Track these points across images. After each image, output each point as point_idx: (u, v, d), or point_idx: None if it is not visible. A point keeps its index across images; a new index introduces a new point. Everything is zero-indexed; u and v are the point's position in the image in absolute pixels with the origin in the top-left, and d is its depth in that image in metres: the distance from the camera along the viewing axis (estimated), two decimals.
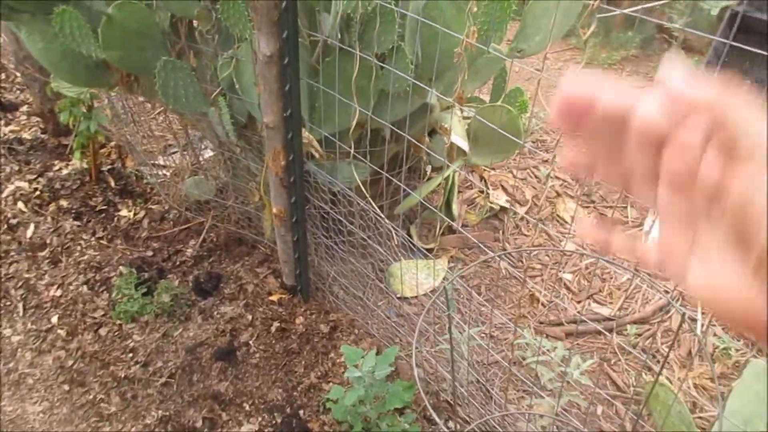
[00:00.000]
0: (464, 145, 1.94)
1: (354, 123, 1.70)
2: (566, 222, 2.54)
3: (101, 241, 2.45)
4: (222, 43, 1.86)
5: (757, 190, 0.31)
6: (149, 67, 1.83)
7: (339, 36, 1.62)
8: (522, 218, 2.54)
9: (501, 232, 2.51)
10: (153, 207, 2.64)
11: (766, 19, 2.39)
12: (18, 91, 3.41)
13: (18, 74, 3.27)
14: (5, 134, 3.02)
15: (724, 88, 0.32)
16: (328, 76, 1.72)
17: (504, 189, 2.65)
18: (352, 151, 1.72)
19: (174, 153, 2.95)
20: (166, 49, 1.92)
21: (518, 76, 3.53)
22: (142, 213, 2.60)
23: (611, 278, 2.39)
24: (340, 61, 1.65)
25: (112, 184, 2.73)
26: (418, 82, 1.50)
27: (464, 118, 2.09)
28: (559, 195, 2.68)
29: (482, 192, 2.64)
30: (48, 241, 2.43)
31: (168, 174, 2.74)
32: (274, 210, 1.90)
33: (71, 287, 2.25)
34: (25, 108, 3.27)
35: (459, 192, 2.62)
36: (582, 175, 0.42)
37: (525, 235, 2.51)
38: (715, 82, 0.32)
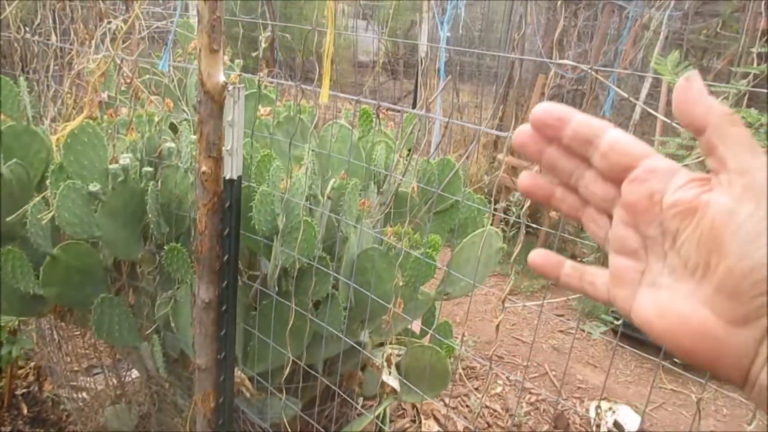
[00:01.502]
0: (395, 384, 1.99)
1: (287, 369, 1.74)
2: None
3: None
4: (162, 283, 1.92)
5: (732, 217, 0.31)
6: (87, 302, 1.85)
7: (276, 287, 1.72)
8: None
9: None
10: None
11: None
12: None
13: None
14: None
15: (729, 115, 0.33)
16: (264, 318, 1.79)
17: (436, 419, 2.65)
18: (283, 394, 1.73)
19: (97, 374, 2.83)
20: (106, 285, 1.96)
21: (447, 303, 3.71)
22: None
23: None
24: (276, 305, 1.73)
25: (25, 411, 2.57)
26: (347, 339, 1.59)
27: (397, 355, 2.16)
28: (489, 426, 2.70)
29: (414, 422, 2.63)
30: None
31: (88, 398, 2.61)
32: None
33: None
34: None
35: (391, 421, 2.60)
36: (539, 199, 0.42)
37: None
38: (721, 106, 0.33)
